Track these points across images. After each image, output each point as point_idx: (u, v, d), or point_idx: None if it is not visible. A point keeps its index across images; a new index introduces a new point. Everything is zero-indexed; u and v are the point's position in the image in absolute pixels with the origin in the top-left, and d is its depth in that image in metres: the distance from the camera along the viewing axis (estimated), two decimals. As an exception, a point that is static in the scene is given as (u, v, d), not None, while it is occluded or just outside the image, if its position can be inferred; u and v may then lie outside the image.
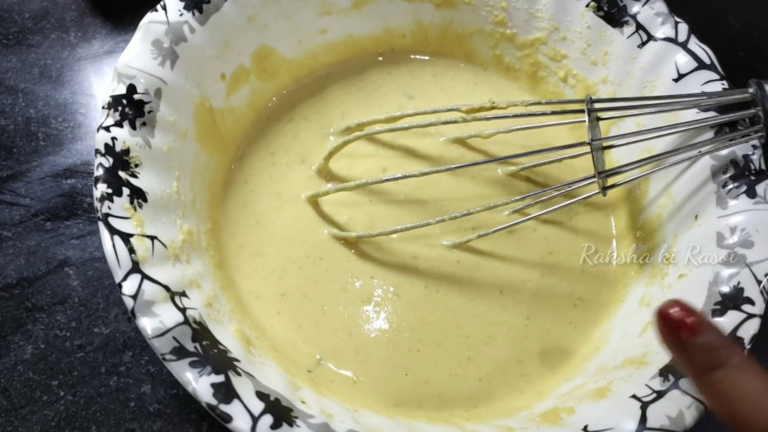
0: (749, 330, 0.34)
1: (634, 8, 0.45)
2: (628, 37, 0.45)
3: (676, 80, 0.42)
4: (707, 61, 0.42)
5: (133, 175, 0.36)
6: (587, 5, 0.46)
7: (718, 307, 0.35)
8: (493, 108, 0.43)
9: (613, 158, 0.47)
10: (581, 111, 0.41)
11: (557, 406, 0.36)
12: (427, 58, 0.53)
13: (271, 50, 0.48)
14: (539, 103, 0.44)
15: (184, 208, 0.39)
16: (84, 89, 0.53)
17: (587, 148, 0.40)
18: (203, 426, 0.41)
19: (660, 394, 0.33)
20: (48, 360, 0.43)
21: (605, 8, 0.45)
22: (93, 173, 0.35)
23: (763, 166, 0.38)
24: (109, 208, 0.34)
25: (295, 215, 0.45)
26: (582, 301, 0.44)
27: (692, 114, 0.40)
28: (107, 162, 0.36)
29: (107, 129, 0.36)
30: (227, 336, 0.34)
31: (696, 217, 0.39)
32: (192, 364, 0.31)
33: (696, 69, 0.42)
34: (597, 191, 0.41)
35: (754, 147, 0.39)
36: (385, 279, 0.43)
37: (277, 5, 0.47)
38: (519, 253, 0.45)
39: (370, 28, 0.51)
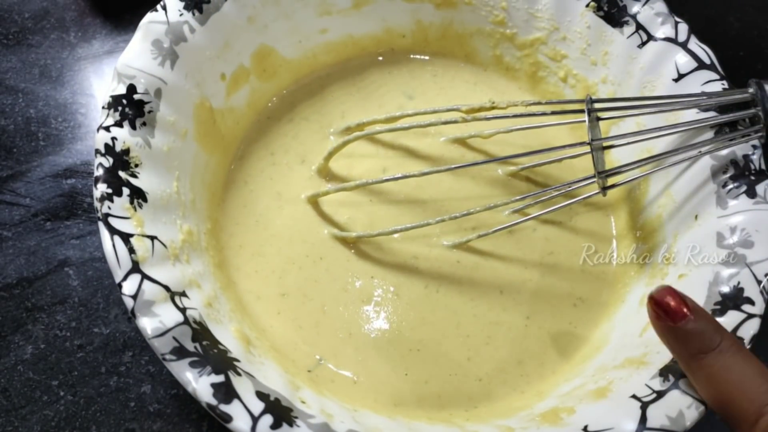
0: (749, 330, 0.34)
1: (634, 8, 0.45)
2: (628, 37, 0.45)
3: (676, 80, 0.42)
4: (707, 61, 0.42)
5: (133, 175, 0.36)
6: (587, 5, 0.46)
7: (718, 307, 0.35)
8: (493, 108, 0.43)
9: (613, 158, 0.47)
10: (581, 111, 0.41)
11: (557, 406, 0.36)
12: (427, 58, 0.53)
13: (271, 50, 0.48)
14: (539, 103, 0.44)
15: (184, 208, 0.39)
16: (84, 89, 0.53)
17: (587, 148, 0.40)
18: (203, 426, 0.41)
19: (660, 394, 0.33)
20: (48, 360, 0.43)
21: (605, 8, 0.45)
22: (93, 173, 0.35)
23: (763, 166, 0.38)
24: (109, 208, 0.34)
25: (295, 215, 0.45)
26: (582, 301, 0.44)
27: (692, 114, 0.40)
28: (107, 162, 0.36)
29: (107, 129, 0.36)
30: (227, 336, 0.34)
31: (696, 217, 0.39)
32: (192, 364, 0.31)
33: (696, 69, 0.42)
34: (597, 191, 0.41)
35: (754, 147, 0.39)
36: (385, 279, 0.43)
37: (277, 5, 0.47)
38: (519, 253, 0.45)
39: (370, 28, 0.51)
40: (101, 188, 0.35)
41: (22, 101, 0.52)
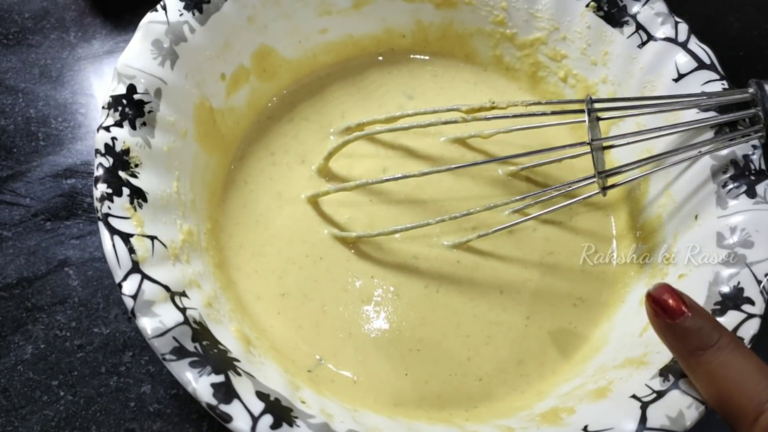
0: (749, 330, 0.34)
1: (634, 8, 0.45)
2: (628, 37, 0.45)
3: (676, 80, 0.42)
4: (707, 61, 0.42)
5: (133, 175, 0.36)
6: (587, 5, 0.46)
7: (718, 307, 0.35)
8: (493, 108, 0.43)
9: (613, 158, 0.47)
10: (581, 111, 0.41)
11: (557, 406, 0.36)
12: (427, 58, 0.53)
13: (271, 50, 0.48)
14: (539, 103, 0.44)
15: (184, 208, 0.39)
16: (84, 89, 0.53)
17: (587, 148, 0.40)
18: (203, 426, 0.41)
19: (660, 394, 0.33)
20: (48, 360, 0.43)
21: (605, 8, 0.45)
22: (93, 173, 0.35)
23: (763, 166, 0.38)
24: (109, 208, 0.34)
25: (295, 215, 0.45)
26: (582, 301, 0.44)
27: (692, 114, 0.40)
28: (107, 162, 0.36)
29: (107, 129, 0.36)
30: (227, 336, 0.34)
31: (696, 217, 0.39)
32: (192, 364, 0.31)
33: (696, 69, 0.42)
34: (597, 191, 0.41)
35: (754, 147, 0.39)
36: (385, 279, 0.43)
37: (277, 5, 0.47)
38: (519, 253, 0.45)
39: (370, 28, 0.51)
40: (101, 188, 0.35)
41: (22, 101, 0.52)
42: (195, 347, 0.32)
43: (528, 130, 0.46)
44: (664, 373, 0.34)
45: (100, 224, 0.34)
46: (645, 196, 0.45)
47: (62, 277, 0.45)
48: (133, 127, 0.37)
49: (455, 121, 0.44)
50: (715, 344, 0.29)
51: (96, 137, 0.36)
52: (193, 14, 0.42)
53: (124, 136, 0.37)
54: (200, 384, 0.31)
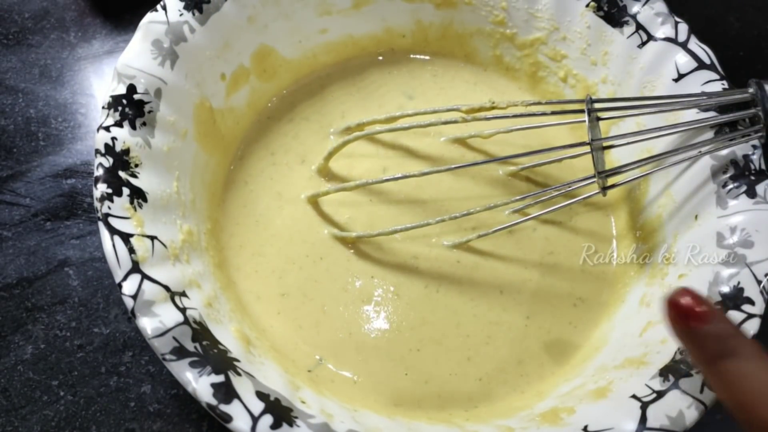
0: (749, 330, 0.34)
1: (634, 8, 0.45)
2: (628, 37, 0.45)
3: (676, 80, 0.42)
4: (707, 61, 0.42)
5: (133, 175, 0.36)
6: (587, 5, 0.46)
7: (718, 307, 0.35)
8: (493, 108, 0.43)
9: (613, 158, 0.47)
10: (581, 111, 0.41)
11: (557, 406, 0.36)
12: (427, 58, 0.53)
13: (271, 50, 0.48)
14: (539, 103, 0.44)
15: (184, 208, 0.39)
16: (84, 89, 0.53)
17: (587, 148, 0.40)
18: (203, 426, 0.41)
19: (660, 394, 0.33)
20: (48, 360, 0.43)
21: (605, 8, 0.45)
22: (93, 173, 0.35)
23: (763, 166, 0.38)
24: (109, 208, 0.34)
25: (296, 215, 0.45)
26: (582, 301, 0.44)
27: (692, 114, 0.40)
28: (107, 162, 0.36)
29: (107, 129, 0.36)
30: (227, 336, 0.34)
31: (696, 217, 0.39)
32: (192, 364, 0.31)
33: (696, 69, 0.42)
34: (597, 191, 0.41)
35: (754, 147, 0.39)
36: (385, 279, 0.43)
37: (277, 5, 0.47)
38: (519, 253, 0.45)
39: (370, 28, 0.51)
40: (101, 188, 0.35)
41: (22, 101, 0.52)
42: (195, 347, 0.32)
43: (528, 130, 0.46)
44: (664, 373, 0.34)
45: (100, 224, 0.34)
46: (645, 196, 0.45)
47: (62, 277, 0.45)
48: (133, 127, 0.37)
49: (455, 121, 0.44)
50: (736, 353, 0.28)
51: (96, 137, 0.36)
52: (193, 14, 0.42)
53: (124, 136, 0.37)
54: (200, 384, 0.31)
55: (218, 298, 0.38)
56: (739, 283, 0.35)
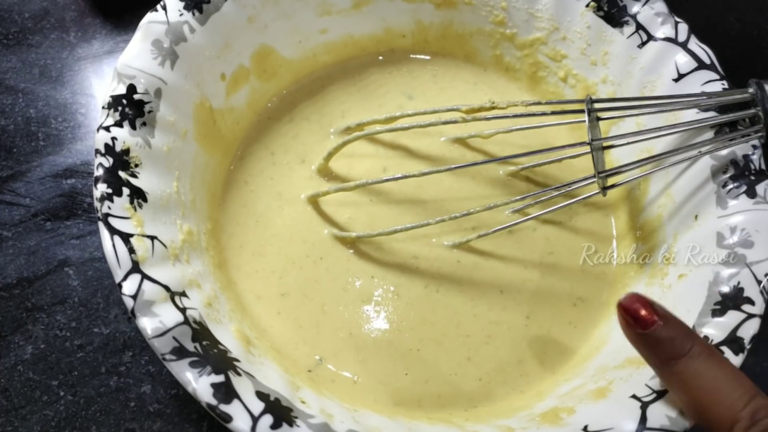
0: (749, 330, 0.34)
1: (634, 8, 0.45)
2: (628, 37, 0.45)
3: (676, 80, 0.42)
4: (707, 61, 0.42)
5: (133, 175, 0.36)
6: (587, 5, 0.46)
7: (718, 307, 0.35)
8: (493, 108, 0.43)
9: (613, 158, 0.47)
10: (581, 111, 0.41)
11: (557, 406, 0.36)
12: (427, 58, 0.53)
13: (271, 50, 0.48)
14: (539, 103, 0.44)
15: (184, 208, 0.39)
16: (84, 89, 0.53)
17: (587, 148, 0.40)
18: (203, 426, 0.41)
19: (660, 394, 0.33)
20: (48, 360, 0.43)
21: (605, 8, 0.45)
22: (93, 173, 0.35)
23: (763, 166, 0.38)
24: (109, 208, 0.34)
25: (296, 215, 0.45)
26: (582, 301, 0.44)
27: (692, 114, 0.40)
28: (107, 162, 0.36)
29: (107, 129, 0.36)
30: (227, 336, 0.34)
31: (696, 217, 0.39)
32: (192, 364, 0.31)
33: (696, 69, 0.42)
34: (597, 191, 0.41)
35: (754, 147, 0.39)
36: (385, 279, 0.43)
37: (277, 5, 0.47)
38: (519, 252, 0.45)
39: (370, 28, 0.51)
40: (101, 188, 0.35)
41: (22, 101, 0.52)
42: (195, 347, 0.32)
43: (528, 130, 0.46)
44: (664, 373, 0.34)
45: (100, 224, 0.34)
46: (645, 196, 0.45)
47: (62, 277, 0.45)
48: (133, 127, 0.37)
49: (455, 121, 0.44)
50: (687, 353, 0.29)
51: (96, 137, 0.36)
52: (193, 14, 0.42)
53: (124, 136, 0.37)
54: (200, 384, 0.31)
55: (218, 298, 0.38)
56: (739, 283, 0.35)
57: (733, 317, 0.34)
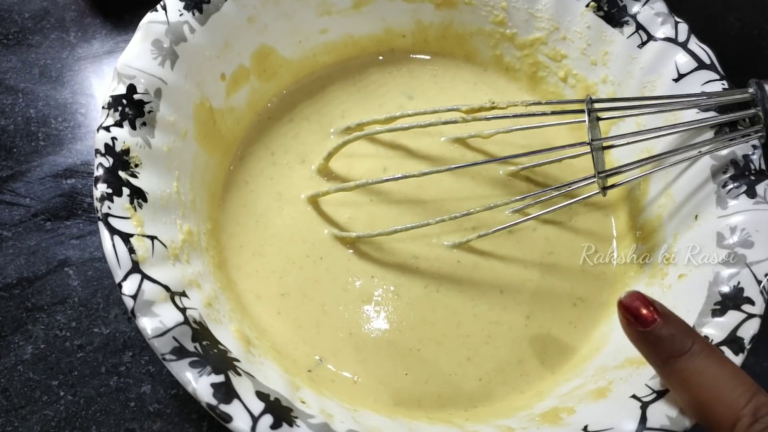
0: (749, 330, 0.34)
1: (634, 8, 0.45)
2: (628, 37, 0.45)
3: (676, 80, 0.42)
4: (707, 61, 0.42)
5: (133, 175, 0.36)
6: (587, 5, 0.46)
7: (718, 307, 0.35)
8: (493, 108, 0.43)
9: (613, 158, 0.47)
10: (581, 111, 0.41)
11: (557, 406, 0.36)
12: (427, 58, 0.53)
13: (271, 50, 0.48)
14: (539, 103, 0.44)
15: (184, 208, 0.39)
16: (84, 89, 0.53)
17: (587, 148, 0.40)
18: (203, 426, 0.41)
19: (660, 394, 0.33)
20: (48, 360, 0.43)
21: (605, 8, 0.45)
22: (93, 173, 0.35)
23: (763, 166, 0.38)
24: (109, 208, 0.34)
25: (296, 215, 0.45)
26: (582, 301, 0.44)
27: (692, 114, 0.40)
28: (107, 162, 0.36)
29: (107, 129, 0.36)
30: (227, 336, 0.34)
31: (696, 217, 0.39)
32: (192, 364, 0.31)
33: (696, 69, 0.42)
34: (597, 191, 0.41)
35: (754, 147, 0.39)
36: (386, 279, 0.43)
37: (277, 5, 0.47)
38: (519, 252, 0.45)
39: (370, 28, 0.51)
40: (101, 188, 0.35)
41: (22, 101, 0.52)
42: (195, 347, 0.32)
43: (528, 130, 0.46)
44: (664, 373, 0.34)
45: (100, 224, 0.34)
46: (645, 196, 0.45)
47: (62, 277, 0.45)
48: (133, 127, 0.37)
49: (455, 121, 0.44)
50: (687, 351, 0.29)
51: (96, 137, 0.36)
52: (193, 14, 0.42)
53: (124, 136, 0.37)
54: (200, 384, 0.31)
55: (218, 298, 0.38)
56: (739, 283, 0.35)
57: (733, 317, 0.34)
